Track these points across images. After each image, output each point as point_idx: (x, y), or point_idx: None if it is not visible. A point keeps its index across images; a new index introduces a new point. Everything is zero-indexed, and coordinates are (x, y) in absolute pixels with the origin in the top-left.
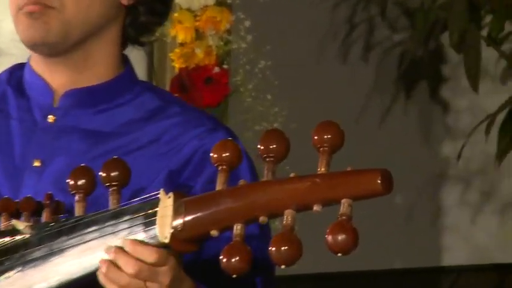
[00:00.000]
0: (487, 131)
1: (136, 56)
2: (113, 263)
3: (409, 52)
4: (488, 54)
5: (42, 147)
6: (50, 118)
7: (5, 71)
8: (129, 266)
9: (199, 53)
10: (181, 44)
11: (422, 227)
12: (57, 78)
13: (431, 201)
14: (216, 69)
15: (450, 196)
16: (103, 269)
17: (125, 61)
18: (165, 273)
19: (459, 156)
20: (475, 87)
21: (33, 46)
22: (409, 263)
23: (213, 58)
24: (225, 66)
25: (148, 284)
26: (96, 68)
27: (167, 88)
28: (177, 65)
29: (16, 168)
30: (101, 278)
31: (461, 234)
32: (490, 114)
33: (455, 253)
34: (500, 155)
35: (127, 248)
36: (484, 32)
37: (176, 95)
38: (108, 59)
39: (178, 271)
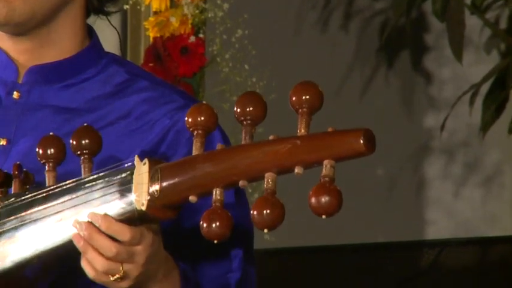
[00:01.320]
0: (471, 102)
1: (109, 25)
2: (88, 243)
3: (390, 21)
4: (472, 23)
5: (7, 125)
6: (15, 94)
7: None
8: (105, 249)
9: (174, 21)
10: (156, 13)
11: (405, 200)
12: (21, 53)
13: (414, 173)
14: (192, 39)
15: (433, 168)
16: (79, 246)
17: (90, 33)
18: (140, 253)
19: (442, 127)
20: (458, 57)
21: None
22: (392, 236)
23: (189, 27)
24: (201, 36)
25: (124, 265)
26: (61, 43)
27: (141, 58)
28: (152, 34)
29: None
30: (82, 261)
31: (444, 207)
32: (474, 84)
33: (439, 226)
34: (485, 127)
35: (100, 225)
36: (468, 0)
37: (151, 64)
38: (73, 33)
39: (156, 248)
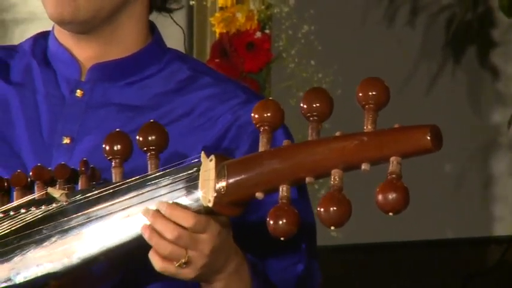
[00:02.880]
0: None
1: (176, 20)
2: (154, 230)
3: (457, 16)
4: None
5: (71, 124)
6: (78, 93)
7: (28, 40)
8: (167, 232)
9: (240, 17)
10: (222, 8)
11: (473, 196)
12: (84, 51)
13: (482, 170)
14: (258, 34)
15: (501, 165)
16: (145, 236)
17: (152, 29)
18: (205, 241)
19: (510, 123)
20: None
21: (61, 24)
22: (459, 232)
23: (255, 23)
24: (266, 31)
25: (189, 252)
26: (124, 40)
27: (207, 54)
28: (218, 30)
29: (45, 145)
30: (150, 253)
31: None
32: None
33: (506, 223)
34: None
35: (165, 212)
36: None
37: (217, 60)
38: (136, 30)
39: (223, 240)
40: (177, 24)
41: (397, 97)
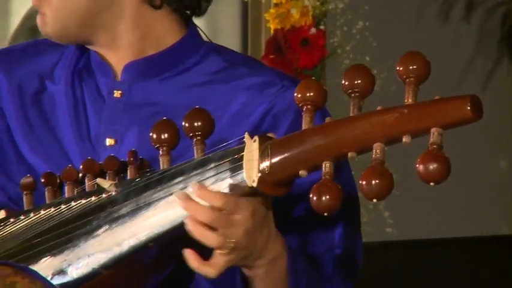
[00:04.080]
0: None
1: (231, 17)
2: (192, 217)
3: None
4: None
5: (113, 125)
6: (116, 93)
7: None
8: (199, 214)
9: (295, 13)
10: (276, 5)
11: None
12: (115, 53)
13: None
14: (313, 31)
15: None
16: (186, 221)
17: (186, 24)
18: (239, 222)
19: None
20: None
21: (48, 38)
22: None
23: (309, 19)
24: (321, 27)
25: (226, 230)
26: (148, 39)
27: (262, 50)
28: (272, 26)
29: (92, 148)
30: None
31: None
32: None
33: None
34: None
35: (195, 193)
36: None
37: (271, 56)
38: (157, 29)
39: (259, 221)
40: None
41: (452, 93)
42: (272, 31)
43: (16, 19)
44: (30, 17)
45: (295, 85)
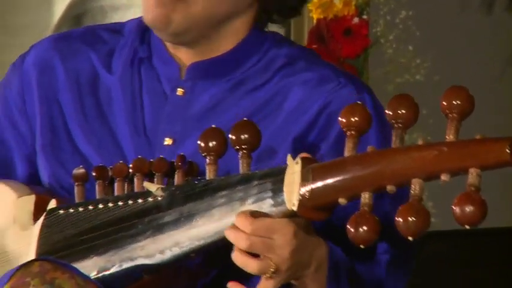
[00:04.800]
0: None
1: None
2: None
3: None
4: None
5: (173, 124)
6: (179, 91)
7: (133, 23)
8: (238, 242)
9: (338, 3)
10: None
11: None
12: (181, 52)
13: None
14: (356, 20)
15: None
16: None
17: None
18: (282, 245)
19: None
20: None
21: (153, 29)
22: None
23: (352, 8)
24: (364, 17)
25: (268, 255)
26: (222, 42)
27: (305, 40)
28: (315, 15)
29: (148, 144)
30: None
31: None
32: None
33: None
34: None
35: (235, 220)
36: None
37: (314, 46)
38: (236, 34)
39: (302, 240)
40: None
41: (495, 84)
42: (315, 21)
43: (60, 8)
44: (74, 6)
45: (352, 83)
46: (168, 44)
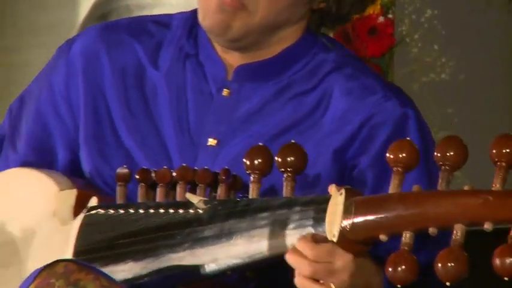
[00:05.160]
0: None
1: None
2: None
3: None
4: None
5: (218, 125)
6: (225, 92)
7: (180, 18)
8: (300, 268)
9: None
10: None
11: None
12: (230, 54)
13: None
14: (381, 19)
15: None
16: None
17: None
18: (341, 270)
19: None
20: None
21: (209, 33)
22: None
23: (378, 7)
24: (389, 16)
25: (329, 279)
26: (271, 48)
27: None
28: None
29: (191, 143)
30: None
31: None
32: None
33: None
34: None
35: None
36: None
37: None
38: (285, 41)
39: (360, 264)
40: None
41: None
42: None
43: (85, 7)
44: (100, 5)
45: (396, 96)
46: (216, 45)
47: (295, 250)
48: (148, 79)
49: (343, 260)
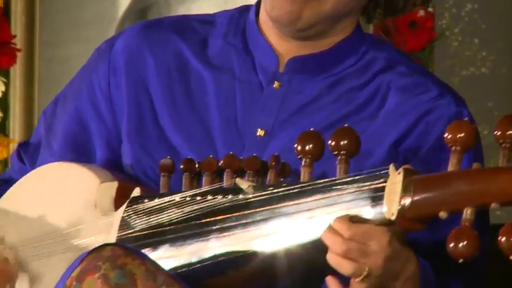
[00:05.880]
0: None
1: None
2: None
3: None
4: None
5: (267, 116)
6: (276, 84)
7: (224, 15)
8: (334, 246)
9: None
10: None
11: None
12: (285, 45)
13: None
14: (421, 13)
15: None
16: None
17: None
18: (376, 252)
19: None
20: None
21: (276, 24)
22: None
23: (418, 1)
24: (430, 10)
25: (362, 260)
26: (328, 39)
27: (371, 32)
28: None
29: (238, 134)
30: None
31: None
32: None
33: None
34: None
35: (332, 224)
36: None
37: None
38: (343, 32)
39: (396, 249)
40: None
41: None
42: None
43: (124, 2)
44: (139, 0)
45: (451, 95)
46: (268, 37)
47: (331, 228)
48: (193, 73)
49: (379, 242)
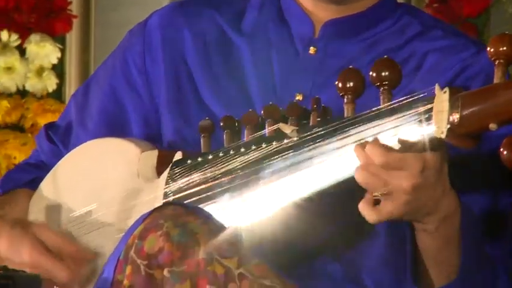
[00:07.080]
0: None
1: None
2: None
3: None
4: None
5: (304, 81)
6: (311, 50)
7: None
8: (373, 157)
9: None
10: None
11: None
12: (320, 10)
13: None
14: None
15: None
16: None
17: None
18: (404, 178)
19: None
20: None
21: None
22: None
23: None
24: None
25: (389, 182)
26: (361, 1)
27: None
28: None
29: (277, 100)
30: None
31: None
32: None
33: None
34: None
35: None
36: None
37: (435, 5)
38: None
39: (428, 179)
40: None
41: None
42: None
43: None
44: None
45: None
46: (303, 3)
47: (362, 145)
48: (231, 44)
49: (410, 169)
